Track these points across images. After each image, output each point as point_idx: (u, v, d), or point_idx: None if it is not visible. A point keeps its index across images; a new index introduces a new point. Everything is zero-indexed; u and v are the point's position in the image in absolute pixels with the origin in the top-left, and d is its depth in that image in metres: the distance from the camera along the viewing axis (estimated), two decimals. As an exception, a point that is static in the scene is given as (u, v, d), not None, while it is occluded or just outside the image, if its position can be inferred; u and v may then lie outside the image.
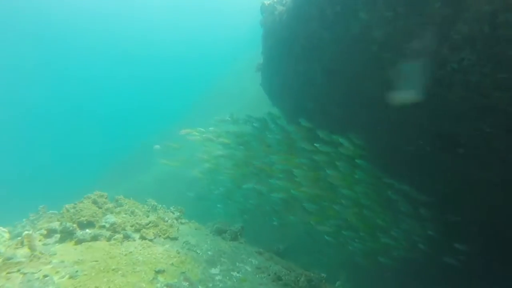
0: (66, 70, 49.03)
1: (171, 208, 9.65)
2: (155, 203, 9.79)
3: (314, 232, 11.38)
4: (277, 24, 10.44)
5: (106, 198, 8.01)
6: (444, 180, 8.16)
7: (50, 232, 6.22)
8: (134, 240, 6.30)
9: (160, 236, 6.50)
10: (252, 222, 13.57)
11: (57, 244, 5.92)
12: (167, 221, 7.59)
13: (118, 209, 7.82)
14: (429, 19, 6.19)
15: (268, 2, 11.11)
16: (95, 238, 5.99)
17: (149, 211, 8.53)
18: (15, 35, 40.99)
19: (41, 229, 6.87)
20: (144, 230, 6.46)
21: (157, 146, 22.79)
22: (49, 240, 6.00)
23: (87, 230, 6.26)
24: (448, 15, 5.90)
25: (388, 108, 8.04)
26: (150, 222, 6.75)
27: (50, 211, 10.09)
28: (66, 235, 5.93)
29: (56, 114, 51.86)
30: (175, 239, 6.75)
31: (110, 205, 7.83)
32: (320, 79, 9.71)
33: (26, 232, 6.01)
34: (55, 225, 6.49)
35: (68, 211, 7.12)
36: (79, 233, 6.07)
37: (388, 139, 8.88)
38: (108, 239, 6.09)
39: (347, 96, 9.38)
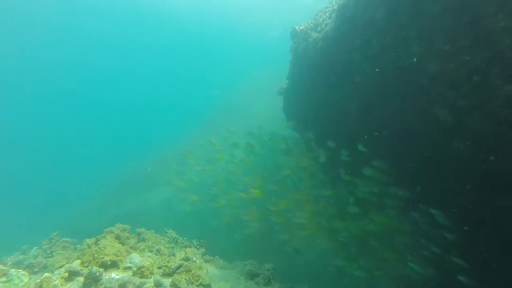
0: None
1: (194, 241, 8.99)
2: (176, 235, 9.18)
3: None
4: (311, 51, 10.07)
5: (128, 232, 7.39)
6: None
7: (71, 275, 5.57)
8: (166, 289, 5.63)
9: (193, 283, 5.81)
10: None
11: (80, 291, 5.26)
12: (195, 262, 6.92)
13: (141, 245, 7.18)
14: (496, 55, 5.76)
15: (301, 27, 10.78)
16: (123, 286, 5.32)
17: (173, 247, 7.88)
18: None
19: (59, 268, 6.22)
20: (176, 276, 5.79)
21: (149, 168, 22.52)
22: (71, 286, 5.34)
23: (113, 275, 5.61)
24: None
25: (424, 142, 7.59)
26: (180, 266, 6.08)
27: (63, 239, 9.44)
28: (91, 282, 5.28)
29: (55, 125, 51.22)
30: (208, 286, 6.06)
31: (133, 240, 7.20)
32: (355, 110, 9.23)
33: (46, 275, 5.37)
34: (76, 265, 5.84)
35: (89, 247, 6.48)
36: (106, 278, 5.41)
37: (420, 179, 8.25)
38: (138, 288, 5.42)
39: (382, 128, 8.87)
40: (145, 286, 5.42)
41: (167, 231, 9.39)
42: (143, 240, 7.51)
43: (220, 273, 7.23)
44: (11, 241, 14.35)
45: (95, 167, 41.53)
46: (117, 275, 5.64)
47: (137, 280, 5.52)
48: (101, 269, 5.43)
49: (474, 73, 6.23)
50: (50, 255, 8.43)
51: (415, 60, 7.04)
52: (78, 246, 9.94)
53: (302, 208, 10.63)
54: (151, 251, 7.10)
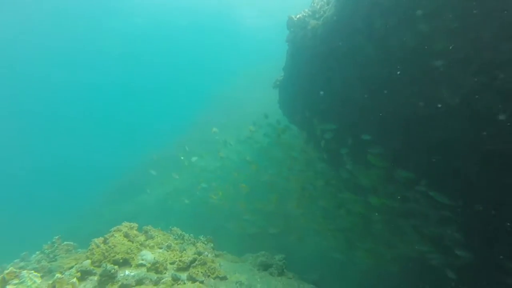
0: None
1: (201, 237, 8.80)
2: (182, 232, 8.99)
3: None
4: (310, 39, 9.93)
5: (136, 229, 7.15)
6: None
7: (84, 274, 5.32)
8: (184, 283, 5.42)
9: (209, 276, 5.64)
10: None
11: (96, 290, 5.02)
12: (207, 256, 6.73)
13: (150, 243, 6.94)
14: (508, 30, 5.71)
15: (298, 16, 10.63)
16: (140, 282, 5.11)
17: (181, 243, 7.67)
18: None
19: (68, 268, 5.95)
20: (192, 270, 5.59)
21: (153, 172, 22.44)
22: (85, 285, 5.09)
23: (127, 272, 5.38)
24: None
25: (435, 128, 7.54)
26: (195, 260, 5.89)
27: (65, 242, 9.12)
28: (107, 279, 5.05)
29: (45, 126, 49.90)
30: (225, 278, 5.90)
31: (141, 237, 6.96)
32: (361, 97, 9.12)
33: (58, 276, 5.10)
34: (87, 264, 5.59)
35: (98, 247, 6.22)
36: (121, 275, 5.18)
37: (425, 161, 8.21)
38: (156, 283, 5.21)
39: (387, 114, 8.78)
40: (162, 281, 5.21)
41: (172, 229, 9.19)
42: (151, 237, 7.27)
43: (232, 266, 7.07)
44: (7, 248, 13.88)
45: (90, 171, 40.68)
46: (131, 272, 5.41)
47: (154, 275, 5.31)
48: (115, 266, 5.19)
49: (483, 50, 6.18)
50: (53, 259, 8.12)
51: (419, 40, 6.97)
52: (79, 249, 9.65)
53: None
54: (160, 248, 6.88)
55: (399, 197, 9.03)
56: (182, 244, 7.43)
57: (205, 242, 8.21)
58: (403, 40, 7.19)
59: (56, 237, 8.88)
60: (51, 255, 8.22)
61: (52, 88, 45.37)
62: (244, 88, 35.15)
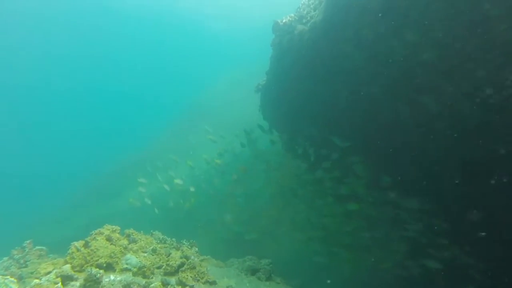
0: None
1: (184, 241, 8.56)
2: (163, 236, 8.71)
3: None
4: (296, 44, 10.03)
5: (119, 233, 6.83)
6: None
7: (65, 280, 4.98)
8: (174, 288, 5.22)
9: (199, 280, 5.47)
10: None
11: (78, 296, 4.71)
12: (194, 260, 6.54)
13: (134, 247, 6.65)
14: (490, 43, 6.02)
15: (284, 21, 10.72)
16: (127, 287, 4.85)
17: (166, 247, 7.42)
18: None
19: (45, 274, 5.56)
20: (181, 274, 5.40)
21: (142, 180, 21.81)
22: (66, 292, 4.77)
23: (112, 277, 5.10)
24: (513, 39, 5.75)
25: (415, 133, 7.81)
26: (183, 264, 5.70)
27: (37, 247, 8.58)
28: (92, 285, 4.75)
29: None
30: (214, 283, 5.76)
31: (124, 241, 6.65)
32: (345, 102, 9.29)
33: (36, 281, 4.74)
34: (67, 269, 5.25)
35: (78, 250, 5.87)
36: (106, 280, 4.90)
37: (405, 168, 8.48)
38: (144, 288, 4.97)
39: (373, 120, 9.00)
40: (151, 286, 4.99)
41: (154, 233, 8.89)
42: (134, 241, 6.97)
43: (219, 271, 6.92)
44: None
45: (60, 174, 38.70)
46: (116, 277, 5.14)
47: (141, 280, 5.07)
48: (101, 271, 4.91)
49: (466, 61, 6.47)
50: (24, 265, 7.60)
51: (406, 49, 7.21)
52: (50, 255, 9.13)
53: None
54: (144, 252, 6.60)
55: (375, 202, 9.27)
56: (166, 248, 7.18)
57: (189, 247, 7.98)
58: (390, 48, 7.41)
59: (28, 241, 8.33)
60: (21, 261, 7.68)
61: (18, 90, 42.96)
62: (222, 93, 35.01)
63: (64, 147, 46.56)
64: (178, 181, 14.38)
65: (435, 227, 7.87)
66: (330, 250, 10.36)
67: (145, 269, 5.36)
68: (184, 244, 8.41)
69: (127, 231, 7.40)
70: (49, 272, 5.47)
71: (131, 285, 4.87)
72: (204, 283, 5.58)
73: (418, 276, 8.34)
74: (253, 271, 7.01)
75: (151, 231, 9.09)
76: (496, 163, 6.60)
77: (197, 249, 7.97)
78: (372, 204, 9.22)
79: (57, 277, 5.10)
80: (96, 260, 5.42)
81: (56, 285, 4.39)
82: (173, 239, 8.77)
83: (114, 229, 6.69)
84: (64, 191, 33.44)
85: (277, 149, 13.87)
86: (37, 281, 4.73)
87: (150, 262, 5.62)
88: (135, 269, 5.35)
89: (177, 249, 7.67)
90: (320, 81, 9.75)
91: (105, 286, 4.74)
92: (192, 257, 6.59)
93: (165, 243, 8.30)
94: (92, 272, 4.69)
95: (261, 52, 15.89)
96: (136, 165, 30.46)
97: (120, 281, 4.88)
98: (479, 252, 7.09)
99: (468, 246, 7.18)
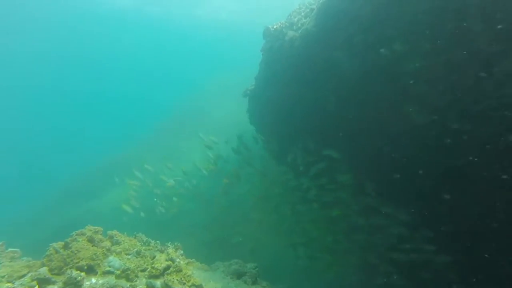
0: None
1: (168, 244, 8.33)
2: (147, 238, 8.46)
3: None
4: (287, 50, 10.11)
5: (101, 234, 6.55)
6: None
7: (42, 283, 4.71)
8: (159, 291, 5.04)
9: (185, 283, 5.31)
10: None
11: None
12: (179, 263, 6.36)
13: (117, 248, 6.40)
14: (474, 55, 6.24)
15: (275, 27, 10.80)
16: (111, 290, 4.63)
17: (150, 249, 7.19)
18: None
19: (19, 277, 5.24)
20: (167, 277, 5.23)
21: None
22: (45, 295, 4.50)
23: (94, 280, 4.87)
24: (496, 52, 5.98)
25: (399, 141, 7.97)
26: (169, 267, 5.53)
27: (10, 249, 8.12)
28: (72, 288, 4.50)
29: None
30: (200, 287, 5.59)
31: (107, 242, 6.39)
32: (333, 107, 9.40)
33: (8, 285, 4.45)
34: (44, 272, 4.97)
35: (57, 252, 5.58)
36: (87, 283, 4.67)
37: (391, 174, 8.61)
38: (129, 292, 4.77)
39: (360, 126, 9.13)
40: (136, 289, 4.79)
41: (137, 235, 8.63)
42: (117, 243, 6.72)
43: (204, 274, 6.76)
44: None
45: (32, 175, 37.15)
46: (98, 280, 4.91)
47: (125, 283, 4.86)
48: (82, 273, 4.67)
49: (451, 72, 6.69)
50: (-5, 268, 7.14)
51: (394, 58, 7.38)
52: (24, 258, 8.68)
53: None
54: (128, 254, 6.37)
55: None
56: (151, 250, 6.96)
57: (174, 249, 7.77)
58: (379, 57, 7.56)
59: (0, 242, 7.87)
60: (-8, 263, 7.23)
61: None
62: (208, 98, 34.79)
63: (37, 147, 44.94)
64: (170, 183, 14.10)
65: (419, 234, 7.99)
66: (314, 254, 10.39)
67: (129, 271, 5.15)
68: (169, 246, 8.18)
69: (110, 232, 7.13)
70: (24, 275, 5.16)
71: (115, 288, 4.66)
72: (190, 286, 5.42)
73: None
74: (239, 275, 6.89)
75: (134, 233, 8.83)
76: (476, 171, 6.80)
77: (182, 252, 7.76)
78: (356, 211, 9.31)
79: (32, 280, 4.81)
80: (77, 262, 5.17)
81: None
82: (157, 241, 8.55)
83: (96, 230, 6.42)
84: (37, 191, 32.11)
85: (264, 155, 13.90)
86: (9, 285, 4.45)
87: (134, 265, 5.41)
88: (118, 272, 5.13)
89: (162, 251, 7.44)
90: (309, 87, 9.83)
91: (87, 289, 4.50)
92: (178, 260, 6.40)
93: (149, 245, 8.05)
94: (73, 274, 4.45)
95: (252, 58, 15.98)
96: (115, 167, 29.73)
97: (102, 284, 4.67)
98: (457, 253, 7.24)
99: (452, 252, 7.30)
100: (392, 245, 8.11)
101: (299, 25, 10.18)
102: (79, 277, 4.47)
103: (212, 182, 14.76)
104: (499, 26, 5.63)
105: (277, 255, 13.26)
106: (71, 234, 6.34)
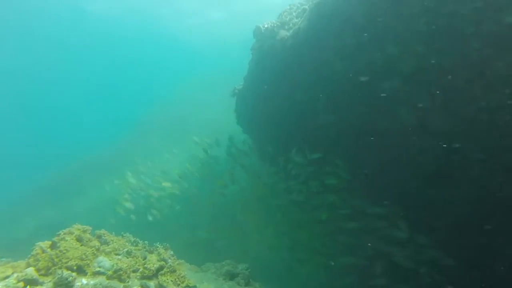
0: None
1: (157, 244, 8.16)
2: (135, 238, 8.25)
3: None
4: (278, 50, 10.11)
5: (90, 233, 6.33)
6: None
7: (29, 284, 4.48)
8: (154, 292, 4.91)
9: (179, 285, 5.21)
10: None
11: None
12: (171, 264, 6.24)
13: (106, 248, 6.20)
14: (465, 58, 6.43)
15: (266, 26, 10.78)
16: (104, 291, 4.47)
17: (141, 250, 7.01)
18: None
19: (3, 278, 4.98)
20: (161, 278, 5.11)
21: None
22: (33, 297, 4.29)
23: (84, 281, 4.69)
24: (487, 55, 6.18)
25: (390, 143, 8.13)
26: (163, 268, 5.41)
27: (-11, 250, 7.73)
28: (63, 289, 4.31)
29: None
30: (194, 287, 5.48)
31: (95, 242, 6.17)
32: (323, 109, 9.47)
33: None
34: (31, 273, 4.74)
35: (44, 251, 5.34)
36: (77, 284, 4.49)
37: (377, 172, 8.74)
38: (122, 293, 4.62)
39: (349, 127, 9.23)
40: (131, 290, 4.65)
41: (124, 234, 8.41)
42: (106, 242, 6.51)
43: (196, 275, 6.68)
44: None
45: (7, 173, 35.49)
46: (90, 280, 4.73)
47: (118, 284, 4.71)
48: (74, 273, 4.49)
49: (442, 75, 6.86)
50: (-27, 270, 6.76)
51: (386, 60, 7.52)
52: (3, 259, 8.30)
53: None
54: (118, 254, 6.18)
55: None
56: (142, 250, 6.79)
57: (164, 249, 7.61)
58: (371, 58, 7.68)
59: (-22, 243, 7.47)
60: (-30, 265, 6.85)
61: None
62: (190, 98, 34.48)
63: (12, 144, 43.13)
64: (166, 184, 13.85)
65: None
66: (303, 256, 10.40)
67: (121, 272, 4.99)
68: (158, 247, 8.01)
69: (98, 232, 6.89)
70: (8, 277, 4.90)
71: (108, 289, 4.50)
72: (185, 287, 5.31)
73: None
74: (232, 276, 6.83)
75: (122, 233, 8.61)
76: (466, 172, 7.02)
77: (172, 252, 7.61)
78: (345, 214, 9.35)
79: (18, 281, 4.58)
80: (66, 262, 4.96)
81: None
82: (145, 241, 8.36)
83: (85, 229, 6.20)
84: (12, 190, 30.73)
85: (252, 158, 13.89)
86: (-2, 286, 4.22)
87: (126, 265, 5.24)
88: (110, 272, 4.96)
89: (151, 252, 7.27)
90: (299, 87, 9.87)
91: (78, 290, 4.33)
92: (169, 260, 6.27)
93: (137, 245, 7.86)
94: (64, 275, 4.26)
95: (241, 59, 15.89)
96: (96, 166, 28.92)
97: (94, 285, 4.49)
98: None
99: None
100: (383, 247, 8.22)
101: (291, 25, 10.22)
102: (71, 278, 4.29)
103: (202, 184, 14.73)
104: (491, 29, 5.81)
105: (267, 258, 13.21)
106: (58, 232, 6.10)
